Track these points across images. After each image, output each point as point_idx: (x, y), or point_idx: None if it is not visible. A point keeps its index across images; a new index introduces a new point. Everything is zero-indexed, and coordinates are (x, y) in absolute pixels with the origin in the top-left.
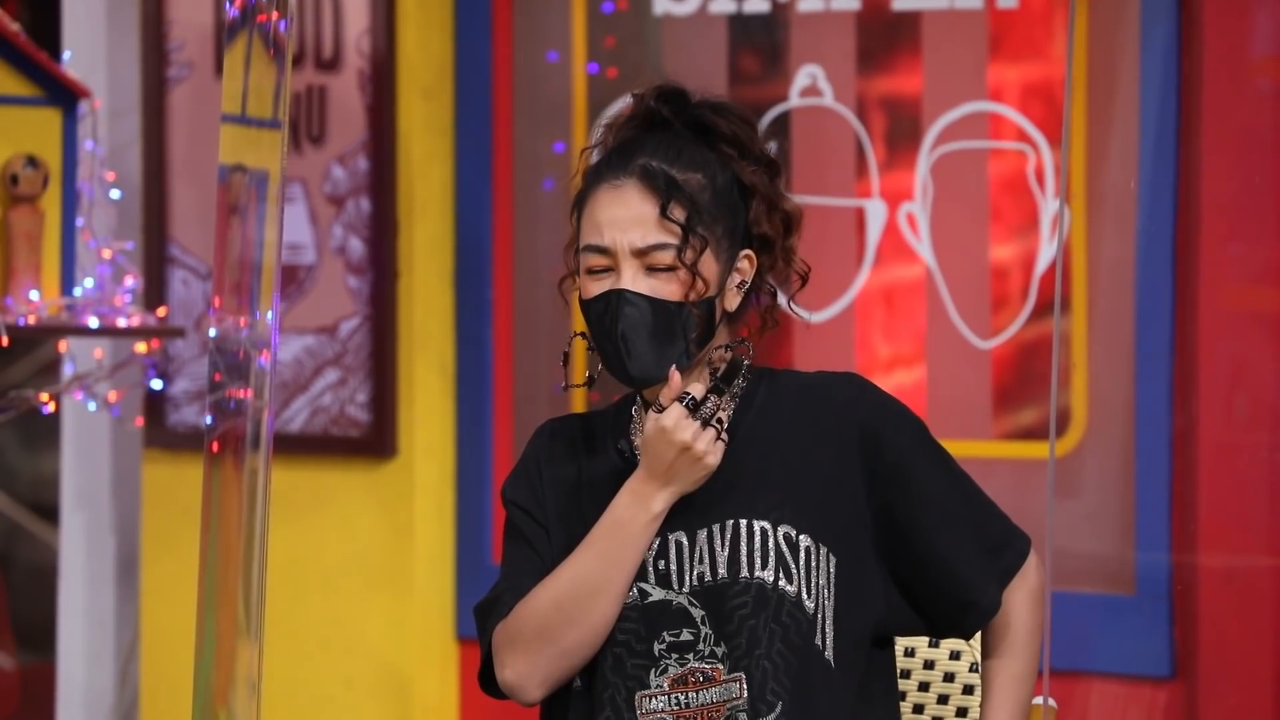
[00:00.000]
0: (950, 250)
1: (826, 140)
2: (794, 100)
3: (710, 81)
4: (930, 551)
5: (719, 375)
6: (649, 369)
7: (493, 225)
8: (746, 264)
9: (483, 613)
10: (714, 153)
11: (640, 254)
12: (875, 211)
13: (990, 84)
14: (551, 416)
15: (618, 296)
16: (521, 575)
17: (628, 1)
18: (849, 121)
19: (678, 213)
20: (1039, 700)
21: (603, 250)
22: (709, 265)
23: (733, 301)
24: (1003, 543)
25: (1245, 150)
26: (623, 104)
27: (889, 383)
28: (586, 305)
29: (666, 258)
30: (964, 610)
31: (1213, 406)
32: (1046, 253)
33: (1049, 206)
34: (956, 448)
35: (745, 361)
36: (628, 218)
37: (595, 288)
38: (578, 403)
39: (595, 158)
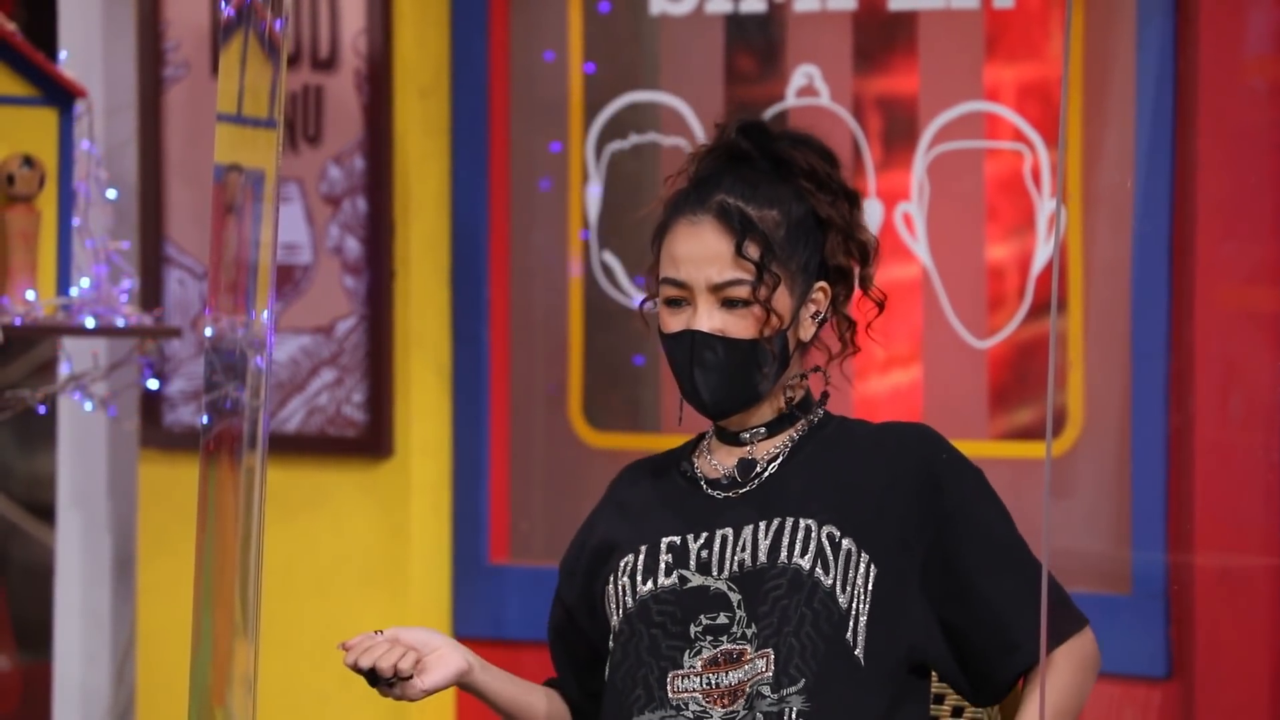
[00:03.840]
0: (946, 250)
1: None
2: (790, 100)
3: (706, 81)
4: (979, 593)
5: (794, 404)
6: (723, 403)
7: (489, 225)
8: (821, 295)
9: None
10: (792, 186)
11: (716, 289)
12: (871, 211)
13: (987, 84)
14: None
15: (691, 337)
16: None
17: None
18: (845, 121)
19: (752, 250)
20: (1034, 698)
21: (679, 284)
22: (782, 300)
23: (807, 331)
24: (1059, 605)
25: (1241, 149)
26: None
27: (885, 383)
28: (665, 340)
29: (741, 293)
30: (1007, 653)
31: (1209, 406)
32: (1043, 252)
33: (1045, 206)
34: None
35: (824, 392)
36: (704, 254)
37: (673, 322)
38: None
39: (679, 185)
